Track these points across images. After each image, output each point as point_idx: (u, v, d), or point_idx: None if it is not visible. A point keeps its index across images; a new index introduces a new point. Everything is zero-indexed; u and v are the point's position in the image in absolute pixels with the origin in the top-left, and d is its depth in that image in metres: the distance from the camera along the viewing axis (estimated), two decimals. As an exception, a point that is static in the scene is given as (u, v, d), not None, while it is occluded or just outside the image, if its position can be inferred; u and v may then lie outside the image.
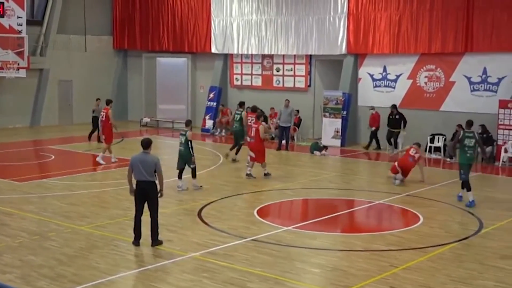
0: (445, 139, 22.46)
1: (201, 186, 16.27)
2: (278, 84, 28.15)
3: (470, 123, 15.07)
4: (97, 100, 24.00)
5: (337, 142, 24.69)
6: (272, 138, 24.77)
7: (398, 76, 24.84)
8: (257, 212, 13.82)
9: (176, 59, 31.02)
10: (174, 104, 31.11)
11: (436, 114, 23.48)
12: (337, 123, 25.11)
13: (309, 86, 27.27)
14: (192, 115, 30.92)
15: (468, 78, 23.29)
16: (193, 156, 15.88)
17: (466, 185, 14.84)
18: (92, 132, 23.76)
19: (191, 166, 15.92)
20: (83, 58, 31.54)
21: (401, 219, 14.39)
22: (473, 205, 14.67)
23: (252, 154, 17.60)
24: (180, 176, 16.05)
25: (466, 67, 23.26)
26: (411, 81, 24.57)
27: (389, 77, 25.07)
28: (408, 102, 24.52)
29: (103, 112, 20.51)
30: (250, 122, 19.44)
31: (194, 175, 16.05)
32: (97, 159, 19.90)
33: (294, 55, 27.27)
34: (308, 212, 15.05)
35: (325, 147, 22.81)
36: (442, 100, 23.80)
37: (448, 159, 20.33)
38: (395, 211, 14.65)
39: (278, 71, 28.08)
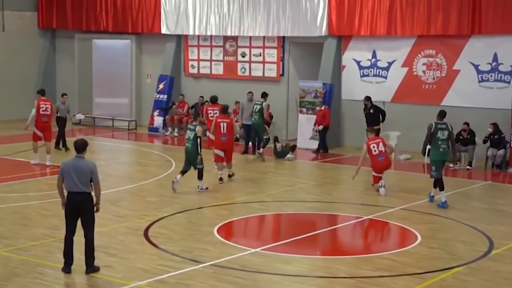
0: (448, 141, 22.70)
1: (207, 188, 17.44)
2: (243, 72, 28.34)
3: (442, 114, 16.39)
4: (63, 95, 23.56)
5: (316, 144, 24.70)
6: (237, 140, 24.91)
7: (390, 63, 25.14)
8: (218, 230, 13.92)
9: (117, 41, 31.01)
10: (114, 97, 31.04)
11: (436, 110, 20.80)
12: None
13: (282, 75, 27.43)
14: (137, 110, 30.95)
15: (475, 66, 23.51)
16: (200, 155, 17.16)
17: (438, 184, 16.16)
18: (59, 136, 23.68)
19: (198, 166, 17.21)
20: (0, 39, 31.22)
21: (394, 238, 14.69)
22: (445, 206, 16.05)
23: (221, 154, 18.63)
24: (182, 174, 17.37)
25: (473, 52, 23.44)
26: (406, 69, 24.82)
27: (379, 64, 25.36)
28: (403, 95, 24.78)
29: (47, 104, 21.19)
30: (213, 116, 20.13)
31: (200, 176, 17.28)
32: (47, 163, 20.52)
33: (263, 37, 27.38)
34: (280, 230, 15.25)
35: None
36: (444, 93, 24.03)
37: (452, 165, 20.58)
38: (388, 228, 14.89)
39: (243, 56, 28.28)
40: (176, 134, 28.16)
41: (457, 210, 16.21)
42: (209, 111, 20.87)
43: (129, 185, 18.37)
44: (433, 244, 13.30)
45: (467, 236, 14.01)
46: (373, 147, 17.67)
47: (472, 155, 21.90)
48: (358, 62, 25.82)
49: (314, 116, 25.06)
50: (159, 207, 15.88)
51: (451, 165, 20.70)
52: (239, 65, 28.43)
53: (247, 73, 28.24)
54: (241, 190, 18.04)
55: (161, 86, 29.72)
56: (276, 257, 12.27)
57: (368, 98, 23.71)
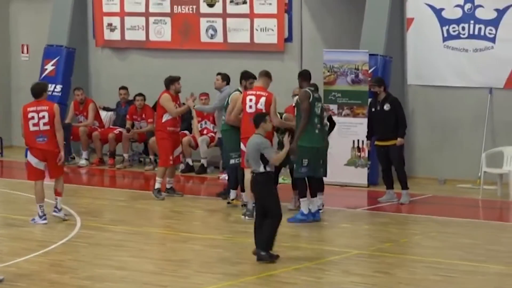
0: None
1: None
2: (212, 37, 24.11)
3: (308, 75, 16.48)
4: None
5: (361, 177, 20.90)
6: (203, 169, 21.44)
7: (501, 13, 21.53)
8: None
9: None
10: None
11: None
12: (359, 128, 21.48)
13: (288, 41, 23.71)
14: (3, 117, 26.15)
15: None
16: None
17: (299, 187, 16.14)
18: None
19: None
20: None
21: None
22: (317, 218, 16.04)
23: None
24: None
25: None
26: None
27: (479, 14, 21.78)
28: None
29: None
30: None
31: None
32: None
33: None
34: None
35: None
36: None
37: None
38: None
39: (211, 5, 23.98)
40: (83, 162, 23.24)
41: None
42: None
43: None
44: None
45: None
46: (250, 100, 17.20)
47: None
48: (438, 12, 22.33)
49: (354, 120, 21.56)
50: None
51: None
52: (204, 24, 23.88)
53: (218, 39, 23.79)
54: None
55: (49, 67, 24.76)
56: None
57: (379, 81, 19.87)
